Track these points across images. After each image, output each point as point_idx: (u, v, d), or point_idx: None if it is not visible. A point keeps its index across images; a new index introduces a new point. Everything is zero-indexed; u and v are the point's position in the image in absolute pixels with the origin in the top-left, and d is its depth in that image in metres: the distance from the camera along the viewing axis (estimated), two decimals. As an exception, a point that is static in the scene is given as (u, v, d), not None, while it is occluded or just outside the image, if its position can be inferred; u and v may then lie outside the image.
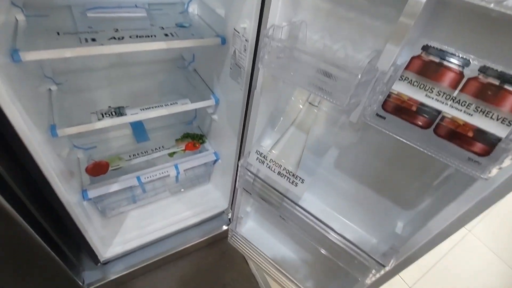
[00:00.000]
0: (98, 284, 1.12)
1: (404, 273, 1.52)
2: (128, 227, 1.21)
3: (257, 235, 1.23)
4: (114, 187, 1.06)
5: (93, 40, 0.77)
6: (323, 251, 0.82)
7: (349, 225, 0.91)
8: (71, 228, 0.94)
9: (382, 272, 0.70)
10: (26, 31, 0.77)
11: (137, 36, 0.82)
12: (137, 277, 1.22)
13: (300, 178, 0.79)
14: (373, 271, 0.72)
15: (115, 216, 1.23)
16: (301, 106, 0.73)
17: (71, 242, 1.02)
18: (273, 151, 0.83)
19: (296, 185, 0.80)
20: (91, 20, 0.88)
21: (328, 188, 0.91)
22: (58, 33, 0.78)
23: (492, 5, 0.39)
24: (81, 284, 1.08)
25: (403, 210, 0.77)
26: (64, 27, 0.81)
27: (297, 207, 0.84)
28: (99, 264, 1.14)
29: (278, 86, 0.79)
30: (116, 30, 0.83)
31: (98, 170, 1.12)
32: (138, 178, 1.11)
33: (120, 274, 1.16)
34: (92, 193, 1.02)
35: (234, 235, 1.26)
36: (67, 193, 0.84)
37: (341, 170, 0.85)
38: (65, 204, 0.85)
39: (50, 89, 0.98)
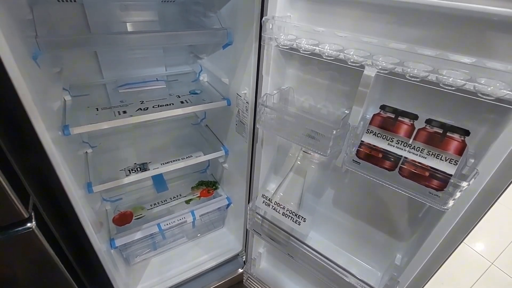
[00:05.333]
0: (122, 331, 1.18)
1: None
2: (150, 273, 1.29)
3: (271, 276, 1.28)
4: (138, 235, 1.17)
5: (124, 112, 0.95)
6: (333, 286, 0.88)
7: (355, 260, 0.97)
8: (101, 275, 1.05)
9: (386, 303, 0.76)
10: (73, 109, 0.97)
11: (158, 106, 1.00)
12: (158, 323, 1.26)
13: (302, 217, 0.89)
14: (378, 303, 0.77)
15: (137, 263, 1.32)
16: (299, 163, 0.86)
17: (99, 289, 1.11)
18: (276, 194, 0.94)
19: (299, 224, 0.90)
20: (122, 95, 1.08)
21: (331, 226, 0.99)
22: (97, 109, 0.97)
23: (429, 76, 0.51)
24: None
25: (399, 242, 0.84)
26: (101, 103, 1.01)
27: (302, 245, 0.92)
28: (124, 311, 1.21)
29: (276, 139, 0.93)
30: (142, 102, 1.03)
31: (123, 220, 1.25)
32: (159, 225, 1.22)
33: (144, 320, 1.21)
34: (119, 242, 1.13)
35: (249, 277, 1.31)
36: (99, 242, 0.96)
37: (338, 208, 0.94)
38: (97, 253, 0.97)
39: (86, 152, 1.16)
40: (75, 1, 1.01)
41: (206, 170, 1.62)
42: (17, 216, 0.67)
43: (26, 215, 0.68)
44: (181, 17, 1.24)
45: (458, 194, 0.53)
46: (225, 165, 1.30)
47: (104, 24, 1.09)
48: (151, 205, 1.35)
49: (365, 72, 0.58)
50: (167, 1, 1.15)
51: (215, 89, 1.19)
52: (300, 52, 0.64)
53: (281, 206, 0.92)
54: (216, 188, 1.48)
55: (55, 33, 0.96)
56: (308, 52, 0.63)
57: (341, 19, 0.66)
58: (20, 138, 0.73)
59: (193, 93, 1.13)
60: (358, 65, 0.58)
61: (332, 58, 0.60)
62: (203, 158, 1.19)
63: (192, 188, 1.48)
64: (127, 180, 1.05)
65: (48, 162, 0.76)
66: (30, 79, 0.65)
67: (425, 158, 0.57)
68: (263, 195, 0.95)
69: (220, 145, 1.26)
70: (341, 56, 0.59)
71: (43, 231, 0.77)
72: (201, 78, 1.27)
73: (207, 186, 1.48)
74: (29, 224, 0.70)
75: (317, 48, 0.61)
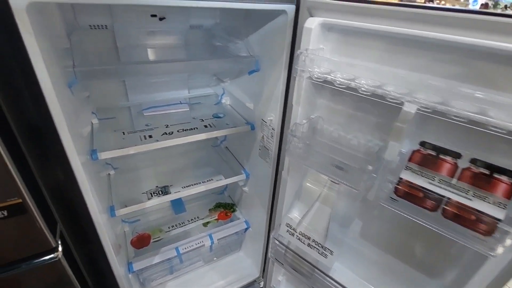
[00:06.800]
0: None
1: None
2: (166, 298, 1.26)
3: (290, 306, 1.22)
4: (156, 259, 1.15)
5: (150, 136, 0.96)
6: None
7: (382, 296, 0.92)
8: (118, 301, 1.02)
9: None
10: (100, 132, 0.98)
11: (183, 130, 1.01)
12: None
13: (329, 249, 0.86)
14: None
15: None
16: (326, 192, 0.84)
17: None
18: (301, 223, 0.91)
19: (325, 256, 0.86)
20: (147, 118, 1.09)
21: (357, 258, 0.95)
22: (123, 133, 0.98)
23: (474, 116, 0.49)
24: None
25: (430, 279, 0.79)
26: (127, 126, 1.03)
27: (327, 278, 0.88)
28: (138, 338, 1.17)
29: (302, 167, 0.92)
30: (167, 126, 1.03)
31: (141, 242, 1.23)
32: (177, 249, 1.20)
33: None
34: (137, 266, 1.11)
35: (267, 306, 1.26)
36: (119, 266, 0.95)
37: (366, 240, 0.90)
38: (116, 277, 0.95)
39: (109, 174, 1.17)
40: (106, 27, 1.05)
41: (223, 191, 1.60)
42: (46, 246, 0.67)
43: (53, 244, 0.68)
44: (206, 41, 1.27)
45: (508, 242, 0.50)
46: (245, 188, 1.29)
47: (132, 48, 1.12)
48: (169, 227, 1.34)
49: (405, 108, 0.56)
50: (195, 28, 1.18)
51: (237, 113, 1.19)
52: (335, 86, 0.64)
53: (306, 236, 0.89)
54: (234, 211, 1.46)
55: (90, 62, 0.99)
56: (344, 86, 0.62)
57: (374, 52, 0.65)
58: (51, 164, 0.74)
59: (216, 117, 1.14)
60: (397, 102, 0.56)
61: (369, 94, 0.59)
62: (224, 182, 1.17)
63: (210, 210, 1.46)
64: (149, 203, 1.04)
65: (77, 188, 0.76)
66: (65, 107, 0.66)
67: (471, 200, 0.54)
68: (287, 224, 0.93)
69: (241, 169, 1.25)
70: (379, 91, 0.58)
71: (68, 258, 0.76)
72: (223, 101, 1.28)
73: (225, 208, 1.46)
74: (55, 254, 0.69)
75: (353, 82, 0.61)
